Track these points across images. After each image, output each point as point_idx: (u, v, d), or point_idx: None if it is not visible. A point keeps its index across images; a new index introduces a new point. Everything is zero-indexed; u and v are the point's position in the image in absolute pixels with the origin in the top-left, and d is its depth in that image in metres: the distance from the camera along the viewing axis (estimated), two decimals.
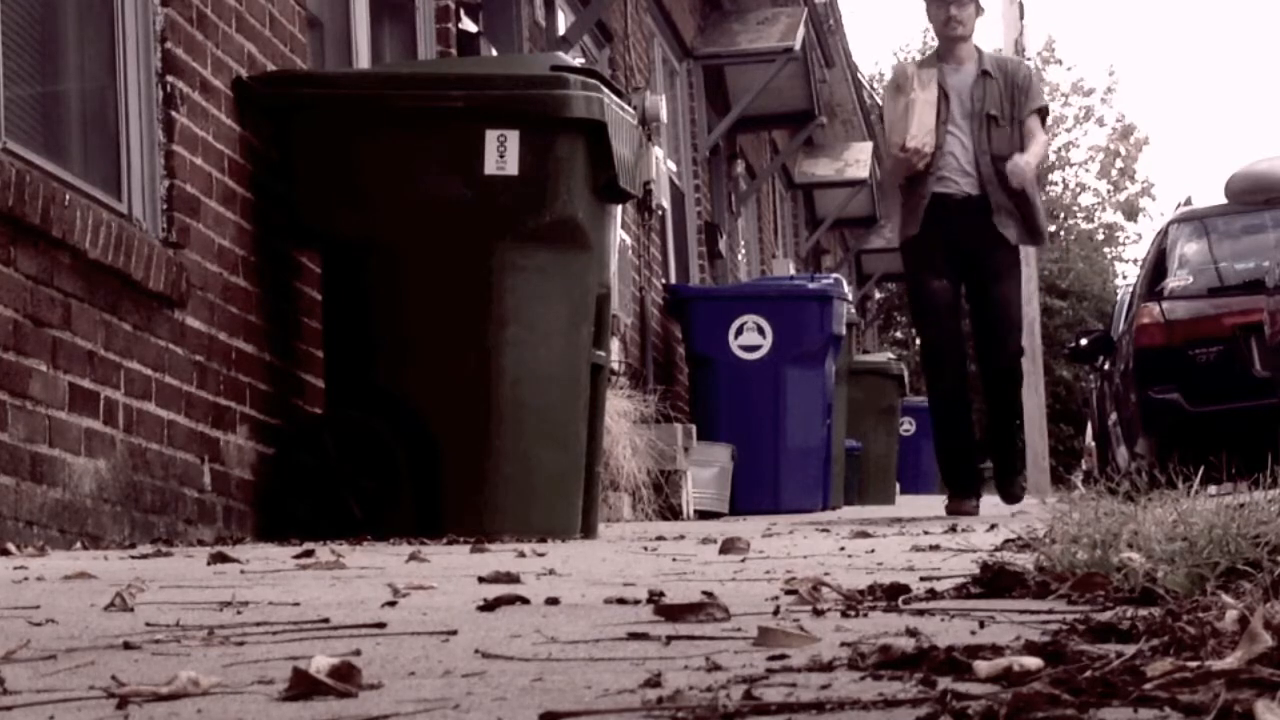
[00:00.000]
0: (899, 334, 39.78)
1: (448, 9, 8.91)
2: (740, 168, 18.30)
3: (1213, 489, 9.00)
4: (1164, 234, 14.43)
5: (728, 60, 16.49)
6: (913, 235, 9.41)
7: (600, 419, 6.65)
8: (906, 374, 18.97)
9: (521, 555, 4.53)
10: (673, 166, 15.07)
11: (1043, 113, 9.55)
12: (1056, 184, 46.70)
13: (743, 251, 18.83)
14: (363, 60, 7.97)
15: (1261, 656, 1.74)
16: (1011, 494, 9.71)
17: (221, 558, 4.11)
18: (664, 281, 14.21)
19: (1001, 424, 9.63)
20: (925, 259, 9.40)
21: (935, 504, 11.15)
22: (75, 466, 5.02)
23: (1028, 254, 23.39)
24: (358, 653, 2.11)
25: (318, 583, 3.38)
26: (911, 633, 2.20)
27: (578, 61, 6.93)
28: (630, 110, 6.65)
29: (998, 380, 9.58)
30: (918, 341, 10.09)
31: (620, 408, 10.05)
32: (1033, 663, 1.79)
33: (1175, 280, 13.67)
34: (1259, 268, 12.85)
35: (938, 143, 9.27)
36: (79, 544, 4.94)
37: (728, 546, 4.64)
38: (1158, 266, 14.11)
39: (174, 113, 5.81)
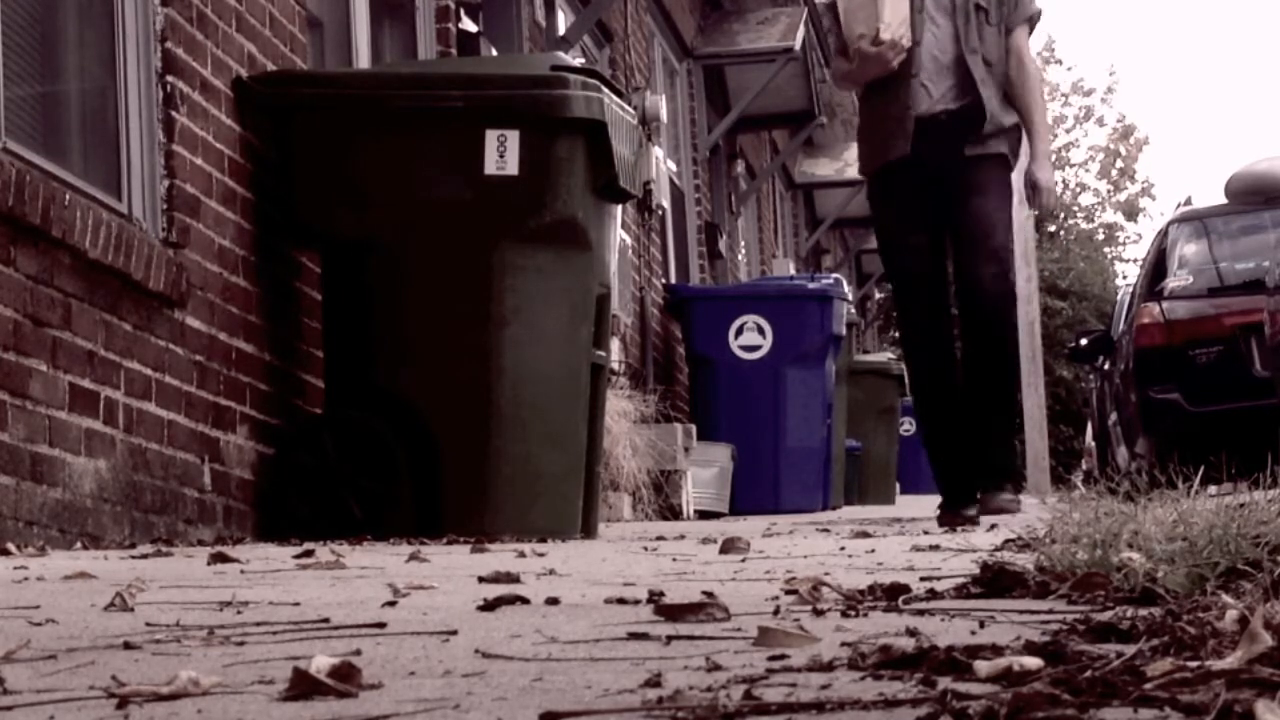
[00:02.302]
0: (899, 334, 39.85)
1: (448, 9, 8.91)
2: (740, 168, 18.31)
3: (1213, 489, 9.00)
4: (1164, 234, 14.44)
5: (728, 60, 16.49)
6: (889, 161, 7.51)
7: (600, 419, 6.65)
8: (906, 374, 18.96)
9: (521, 555, 4.52)
10: (673, 166, 15.07)
11: (1032, 22, 7.71)
12: (1056, 184, 46.67)
13: (743, 251, 18.84)
14: (363, 60, 7.97)
15: (1261, 656, 1.74)
16: (986, 503, 7.39)
17: (221, 558, 4.11)
18: (664, 281, 14.21)
19: (981, 389, 7.57)
20: (899, 207, 7.55)
21: (935, 504, 11.11)
22: (75, 466, 5.02)
23: (1027, 252, 23.39)
24: (358, 653, 2.11)
25: (318, 583, 3.38)
26: (911, 633, 2.20)
27: (578, 61, 6.92)
28: (630, 110, 6.65)
29: (973, 327, 7.58)
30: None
31: (620, 408, 10.05)
32: (1033, 663, 1.79)
33: (1175, 280, 13.68)
34: (1259, 268, 12.86)
35: (915, 37, 7.44)
36: (79, 544, 4.94)
37: (728, 546, 4.64)
38: (1158, 266, 14.12)
39: (174, 113, 5.81)
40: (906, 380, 7.80)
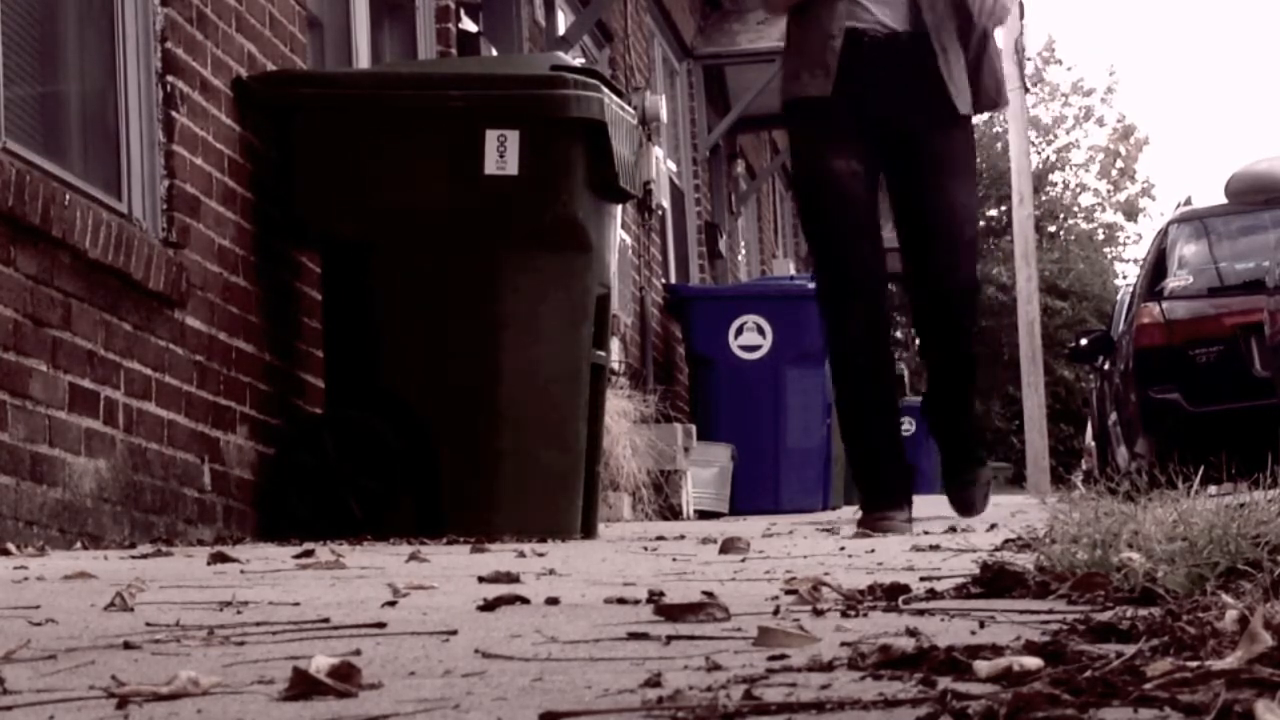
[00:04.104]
0: (898, 334, 39.84)
1: (448, 9, 8.91)
2: (740, 168, 18.31)
3: (1213, 489, 9.00)
4: (1164, 234, 14.44)
5: (728, 60, 16.49)
6: (810, 96, 6.38)
7: (600, 419, 6.65)
8: (906, 374, 18.94)
9: (521, 555, 4.52)
10: (673, 166, 15.07)
11: None
12: (1056, 184, 46.71)
13: (743, 251, 18.83)
14: (363, 60, 7.97)
15: (1261, 656, 1.74)
16: (964, 498, 6.84)
17: (221, 558, 4.11)
18: (664, 281, 14.22)
19: (946, 391, 6.71)
20: (825, 129, 6.39)
21: (936, 504, 11.12)
22: (75, 466, 5.02)
23: (1027, 252, 23.37)
24: (358, 653, 2.11)
25: (318, 583, 3.38)
26: (911, 633, 2.20)
27: (578, 61, 6.93)
28: (630, 110, 6.65)
29: (939, 322, 6.58)
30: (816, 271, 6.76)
31: (620, 408, 10.05)
32: (1033, 663, 1.79)
33: (1175, 280, 13.68)
34: (1259, 268, 12.86)
35: None
36: (79, 544, 4.94)
37: (728, 546, 4.64)
38: (1158, 266, 14.12)
39: (174, 113, 5.81)
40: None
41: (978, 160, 7.49)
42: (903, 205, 6.57)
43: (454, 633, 2.35)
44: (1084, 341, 17.85)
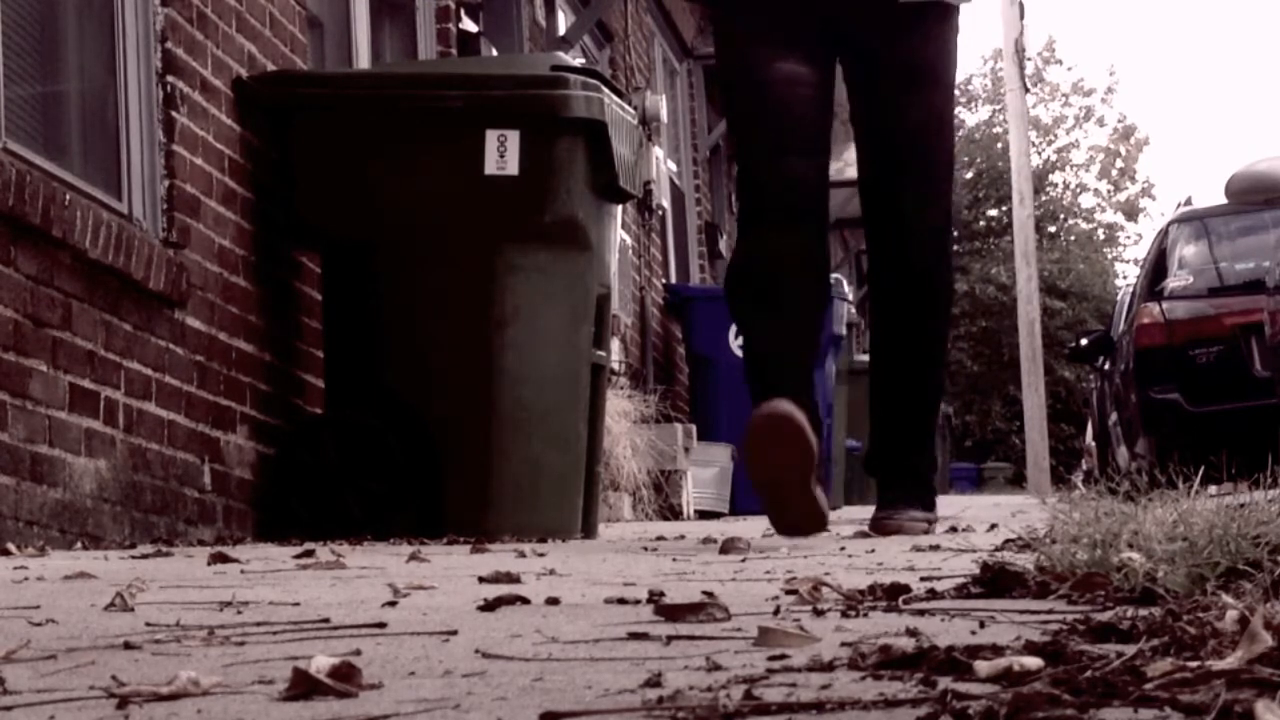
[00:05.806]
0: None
1: (448, 9, 8.91)
2: None
3: (1213, 489, 9.00)
4: (1164, 234, 14.45)
5: None
6: None
7: (600, 419, 6.65)
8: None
9: (521, 555, 4.52)
10: (673, 166, 15.07)
11: None
12: (1056, 184, 46.71)
13: None
14: (363, 60, 7.97)
15: (1261, 656, 1.74)
16: (892, 515, 5.43)
17: (221, 558, 4.11)
18: (664, 281, 14.22)
19: (898, 365, 5.52)
20: (761, 22, 5.09)
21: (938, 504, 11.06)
22: (75, 466, 5.02)
23: (1027, 252, 23.34)
24: (358, 653, 2.11)
25: (318, 583, 3.38)
26: (911, 633, 2.20)
27: (578, 61, 6.93)
28: (630, 110, 6.65)
29: (893, 277, 5.36)
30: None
31: (620, 408, 10.05)
32: (1033, 663, 1.79)
33: (1175, 280, 13.69)
34: (1259, 268, 12.87)
35: None
36: (79, 544, 4.94)
37: (728, 546, 4.64)
38: (1158, 266, 14.13)
39: (174, 113, 5.81)
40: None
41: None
42: (866, 124, 5.31)
43: (454, 633, 2.35)
44: (1084, 341, 17.87)
